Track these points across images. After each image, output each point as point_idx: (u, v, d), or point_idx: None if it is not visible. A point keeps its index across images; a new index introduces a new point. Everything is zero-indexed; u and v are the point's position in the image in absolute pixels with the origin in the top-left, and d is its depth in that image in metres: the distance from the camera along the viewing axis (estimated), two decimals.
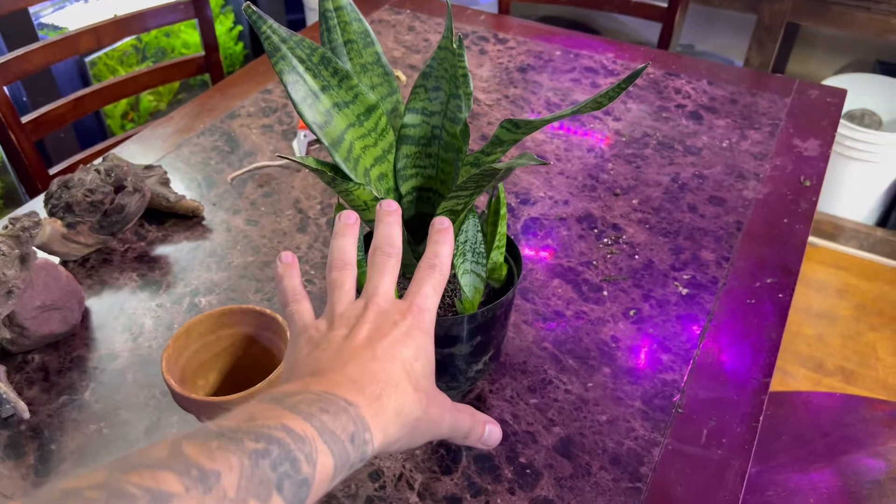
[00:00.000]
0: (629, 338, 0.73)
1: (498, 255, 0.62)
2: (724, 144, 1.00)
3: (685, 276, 0.80)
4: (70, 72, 1.74)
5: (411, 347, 0.41)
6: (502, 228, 0.61)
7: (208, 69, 1.24)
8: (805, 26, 1.97)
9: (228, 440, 0.32)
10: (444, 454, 0.63)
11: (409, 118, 0.58)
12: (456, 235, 0.57)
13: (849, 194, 1.88)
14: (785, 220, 0.88)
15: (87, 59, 1.84)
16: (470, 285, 0.59)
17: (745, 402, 0.67)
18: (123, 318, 0.75)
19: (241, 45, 2.30)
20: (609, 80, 1.14)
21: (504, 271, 0.63)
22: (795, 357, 1.70)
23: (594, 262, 0.82)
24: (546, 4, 1.47)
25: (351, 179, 0.54)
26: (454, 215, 0.55)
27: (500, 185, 0.60)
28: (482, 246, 0.58)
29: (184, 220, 0.87)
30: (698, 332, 0.74)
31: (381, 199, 0.54)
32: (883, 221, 1.94)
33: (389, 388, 0.38)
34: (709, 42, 2.27)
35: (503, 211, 0.60)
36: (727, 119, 1.05)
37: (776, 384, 1.63)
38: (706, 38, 2.26)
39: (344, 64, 0.57)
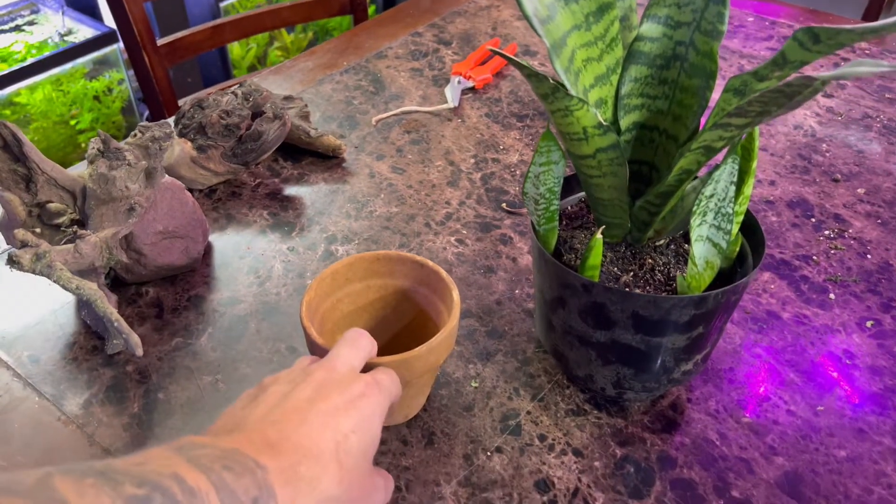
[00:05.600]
0: (868, 355, 0.57)
1: (735, 225, 0.47)
2: None
3: None
4: (203, 13, 1.70)
5: (352, 418, 0.37)
6: (748, 189, 0.46)
7: (353, 10, 1.14)
8: None
9: (107, 480, 0.28)
10: (631, 471, 0.49)
11: (648, 28, 0.44)
12: (703, 185, 0.43)
13: None
14: None
15: (222, 5, 1.79)
16: (702, 257, 0.44)
17: None
18: (250, 258, 0.65)
19: (373, 7, 2.21)
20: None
21: (737, 247, 0.49)
22: None
23: (814, 258, 0.65)
24: None
25: (572, 95, 0.41)
26: (709, 155, 0.41)
27: (756, 129, 0.45)
28: (731, 205, 0.43)
29: (322, 159, 0.77)
30: None
31: (608, 126, 0.40)
32: None
33: (310, 459, 0.35)
34: None
35: (753, 165, 0.46)
36: None
37: None
38: None
39: None
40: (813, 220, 0.70)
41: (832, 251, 0.66)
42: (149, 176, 0.58)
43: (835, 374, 0.55)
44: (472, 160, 0.78)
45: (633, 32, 0.45)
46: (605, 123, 0.41)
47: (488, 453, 0.50)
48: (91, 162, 0.56)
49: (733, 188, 0.43)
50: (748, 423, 0.52)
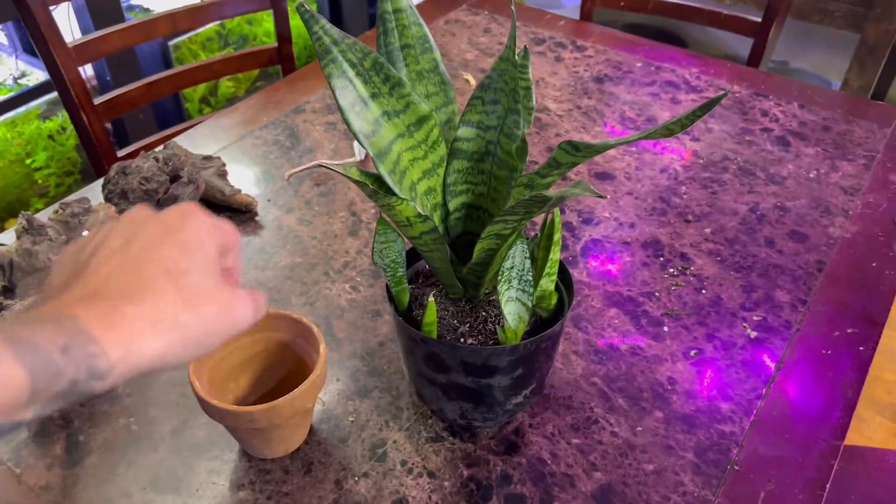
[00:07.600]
0: (687, 381, 0.68)
1: (548, 283, 0.58)
2: (812, 175, 0.93)
3: (755, 318, 0.74)
4: (154, 54, 1.78)
5: (175, 244, 0.36)
6: (555, 255, 0.57)
7: (280, 61, 1.24)
8: None
9: None
10: (473, 489, 0.59)
11: (464, 131, 0.55)
12: (502, 260, 0.53)
13: None
14: (874, 264, 0.80)
15: (171, 43, 1.88)
16: (514, 314, 0.55)
17: (810, 465, 0.61)
18: None
19: None
20: (691, 96, 1.07)
21: (554, 300, 0.59)
22: (873, 404, 1.58)
23: (657, 294, 0.76)
24: (631, 13, 1.41)
25: (394, 194, 0.51)
26: (501, 239, 0.51)
27: (556, 210, 0.55)
28: (530, 273, 0.54)
29: (237, 213, 0.86)
30: (765, 381, 0.67)
31: (426, 215, 0.51)
32: None
33: (138, 297, 0.33)
34: (805, 59, 2.14)
35: (557, 236, 0.56)
36: (817, 147, 0.97)
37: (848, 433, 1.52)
38: (802, 54, 2.14)
39: (399, 70, 0.54)
40: (661, 258, 0.80)
41: (673, 287, 0.77)
42: None
43: (656, 399, 0.66)
44: (373, 210, 0.87)
45: (455, 132, 0.56)
46: (423, 213, 0.51)
47: (356, 478, 0.60)
48: (18, 237, 0.65)
49: (528, 261, 0.53)
50: (577, 444, 0.62)
